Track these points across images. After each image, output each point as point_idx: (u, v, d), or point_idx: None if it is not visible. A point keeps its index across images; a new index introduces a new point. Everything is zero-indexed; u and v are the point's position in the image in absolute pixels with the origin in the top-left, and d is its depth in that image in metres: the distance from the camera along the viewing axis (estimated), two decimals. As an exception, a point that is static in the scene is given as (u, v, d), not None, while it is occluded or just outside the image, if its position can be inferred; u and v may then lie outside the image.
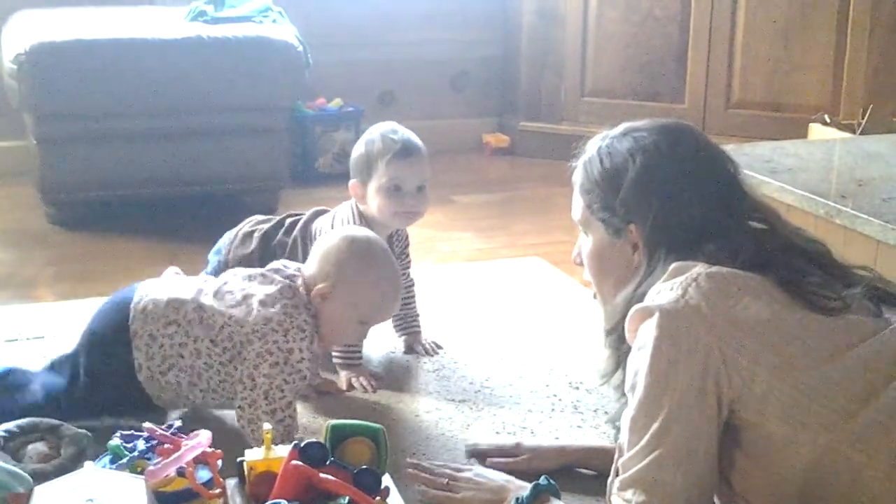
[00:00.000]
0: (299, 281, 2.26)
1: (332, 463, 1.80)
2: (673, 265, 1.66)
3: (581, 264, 1.91)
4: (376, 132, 2.65)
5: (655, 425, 1.58)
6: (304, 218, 2.68)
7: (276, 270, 2.29)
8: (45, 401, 2.23)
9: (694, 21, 4.53)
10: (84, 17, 4.01)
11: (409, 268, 2.79)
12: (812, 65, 4.39)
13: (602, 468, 1.96)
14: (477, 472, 2.07)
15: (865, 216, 2.47)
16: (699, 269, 1.63)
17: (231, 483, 1.94)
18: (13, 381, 2.29)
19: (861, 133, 3.84)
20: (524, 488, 1.91)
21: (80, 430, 2.09)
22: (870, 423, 1.53)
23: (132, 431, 2.00)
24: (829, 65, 4.36)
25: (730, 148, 3.18)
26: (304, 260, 2.44)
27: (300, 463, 1.76)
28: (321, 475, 1.75)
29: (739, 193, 1.77)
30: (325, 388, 2.50)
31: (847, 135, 3.83)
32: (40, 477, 1.87)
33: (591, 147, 1.84)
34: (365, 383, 2.53)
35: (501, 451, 2.18)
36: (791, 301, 1.62)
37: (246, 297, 2.22)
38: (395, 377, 2.60)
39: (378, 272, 2.28)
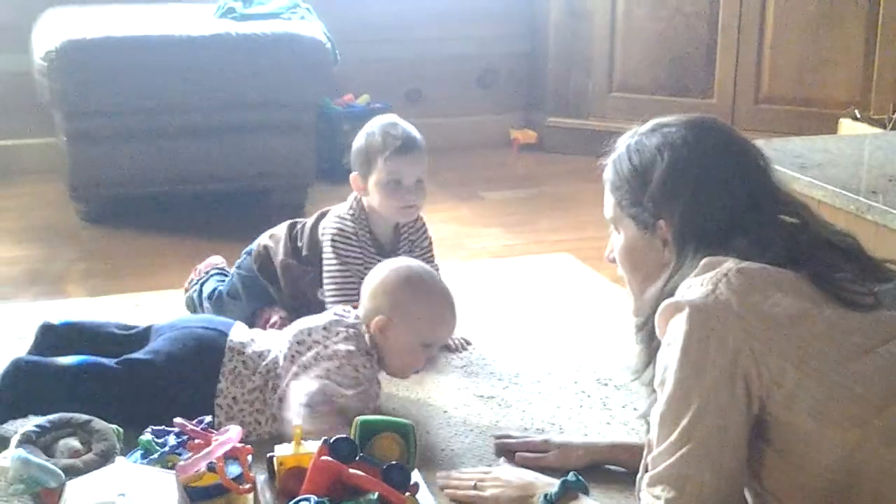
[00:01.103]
0: (363, 328, 2.30)
1: (361, 458, 1.81)
2: (704, 260, 1.66)
3: (614, 262, 1.91)
4: (376, 126, 2.70)
5: (685, 421, 1.58)
6: (310, 223, 2.75)
7: (338, 321, 2.31)
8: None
9: (722, 16, 4.50)
10: (113, 14, 4.02)
11: (432, 260, 2.81)
12: (842, 59, 4.36)
13: (631, 464, 1.94)
14: (505, 469, 2.07)
15: (896, 212, 2.45)
16: (729, 264, 1.63)
17: (261, 478, 1.95)
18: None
19: (892, 128, 3.81)
20: (552, 485, 1.91)
21: (110, 426, 2.10)
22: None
23: (163, 427, 2.02)
24: (860, 59, 4.33)
25: (759, 143, 3.17)
26: (319, 264, 2.61)
27: (330, 458, 1.77)
28: (350, 471, 1.76)
29: (770, 187, 1.76)
30: None
31: (878, 130, 3.80)
32: (72, 472, 1.88)
33: (621, 144, 1.84)
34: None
35: (529, 447, 2.18)
36: (822, 296, 1.62)
37: (318, 354, 2.26)
38: (424, 373, 2.60)
39: (428, 292, 2.32)
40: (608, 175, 1.86)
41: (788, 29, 4.42)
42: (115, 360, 2.25)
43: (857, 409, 1.54)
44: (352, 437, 1.89)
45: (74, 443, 2.05)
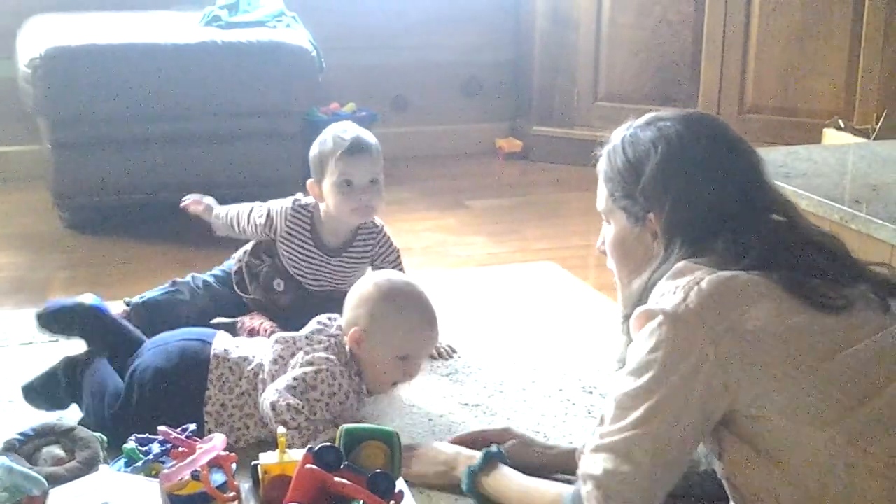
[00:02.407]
0: (344, 339, 2.31)
1: (346, 466, 1.80)
2: (677, 265, 1.70)
3: (604, 253, 1.94)
4: (329, 133, 2.75)
5: (641, 411, 1.64)
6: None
7: (321, 330, 2.33)
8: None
9: (707, 25, 4.52)
10: (98, 21, 4.02)
11: (398, 264, 2.84)
12: (826, 70, 4.38)
13: None
14: (430, 446, 2.13)
15: (880, 221, 2.46)
16: (701, 273, 1.66)
17: (245, 486, 1.95)
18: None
19: (875, 138, 3.83)
20: (474, 457, 2.00)
21: (94, 434, 2.10)
22: (869, 420, 1.56)
23: (147, 435, 2.01)
24: (844, 70, 4.35)
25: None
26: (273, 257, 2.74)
27: (314, 466, 1.77)
28: (335, 479, 1.76)
29: (760, 186, 1.79)
30: None
31: (861, 140, 3.82)
32: (55, 480, 1.88)
33: (616, 136, 1.87)
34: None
35: (486, 435, 2.20)
36: (793, 301, 1.64)
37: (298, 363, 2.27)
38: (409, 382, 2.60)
39: (405, 306, 2.31)
40: (602, 166, 1.88)
41: (773, 39, 4.43)
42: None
43: (827, 410, 1.57)
44: (337, 445, 1.89)
45: (58, 451, 2.05)
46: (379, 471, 1.81)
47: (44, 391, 2.33)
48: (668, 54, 4.63)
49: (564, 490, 1.79)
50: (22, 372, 2.53)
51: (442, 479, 2.06)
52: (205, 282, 2.85)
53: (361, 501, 1.74)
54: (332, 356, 2.25)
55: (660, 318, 1.64)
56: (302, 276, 2.77)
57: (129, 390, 2.25)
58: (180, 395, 2.23)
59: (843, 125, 4.01)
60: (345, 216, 2.73)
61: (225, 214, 2.88)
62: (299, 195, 2.83)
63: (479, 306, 3.10)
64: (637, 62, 4.69)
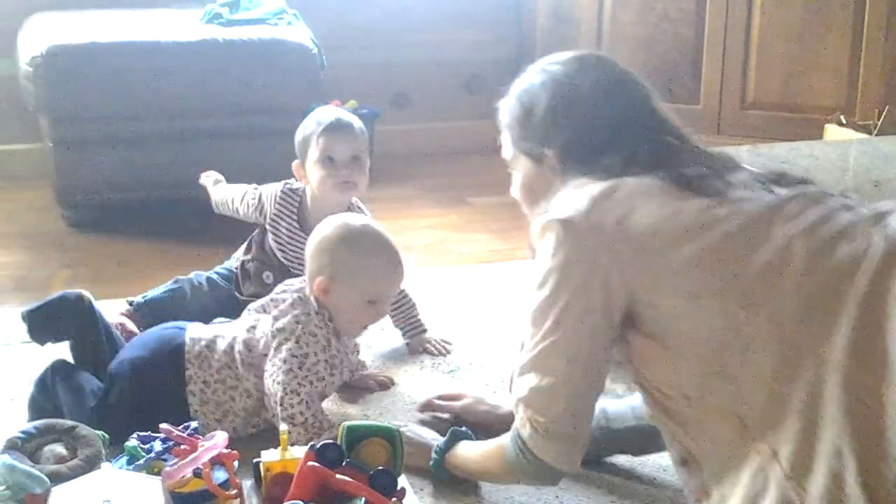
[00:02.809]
0: (307, 290, 2.29)
1: (347, 464, 1.80)
2: (572, 182, 1.80)
3: (521, 204, 2.02)
4: (312, 116, 2.81)
5: (549, 321, 1.74)
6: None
7: (284, 290, 2.35)
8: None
9: (709, 22, 4.51)
10: (99, 19, 4.02)
11: None
12: (828, 65, 4.37)
13: None
14: (409, 429, 2.17)
15: (882, 217, 2.46)
16: (590, 183, 1.76)
17: (247, 484, 1.95)
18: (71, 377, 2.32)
19: (877, 134, 3.83)
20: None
21: (96, 432, 2.10)
22: (753, 281, 1.62)
23: (149, 432, 2.01)
24: (845, 65, 4.34)
25: (745, 149, 3.20)
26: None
27: (316, 464, 1.77)
28: (337, 476, 1.76)
29: (646, 111, 1.89)
30: (368, 385, 2.54)
31: (863, 135, 3.82)
32: (57, 478, 1.88)
33: (511, 88, 1.99)
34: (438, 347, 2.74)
35: (445, 395, 2.37)
36: (676, 191, 1.73)
37: (268, 325, 2.28)
38: (412, 379, 2.60)
39: (367, 247, 2.30)
40: (501, 117, 2.00)
41: (774, 35, 4.43)
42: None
43: (716, 279, 1.64)
44: (338, 442, 1.89)
45: (60, 449, 2.05)
46: (381, 468, 1.81)
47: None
48: (669, 51, 4.62)
49: (505, 436, 1.87)
50: (24, 370, 2.53)
51: (417, 463, 2.09)
52: (209, 279, 2.86)
53: (363, 499, 1.74)
54: (299, 313, 2.24)
55: (553, 226, 1.74)
56: (289, 261, 2.78)
57: (111, 385, 2.26)
58: (161, 380, 2.24)
59: (844, 121, 4.01)
60: (327, 192, 2.75)
61: (223, 193, 2.95)
62: (291, 180, 2.85)
63: (481, 303, 3.10)
64: (638, 59, 4.68)
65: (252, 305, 2.39)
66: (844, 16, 4.31)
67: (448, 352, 2.74)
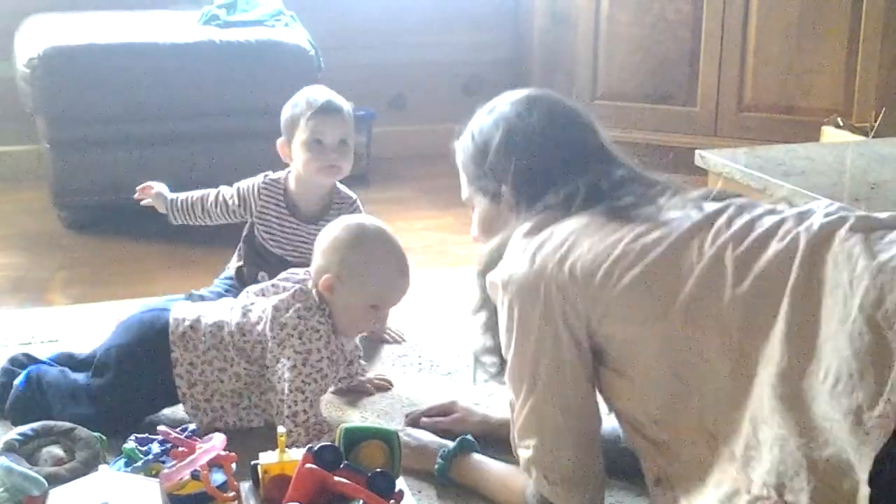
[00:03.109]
0: (310, 284, 2.27)
1: (345, 466, 1.80)
2: (515, 231, 1.85)
3: (478, 240, 2.07)
4: (301, 95, 2.81)
5: (526, 381, 1.79)
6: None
7: (286, 279, 2.34)
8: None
9: (706, 24, 4.51)
10: (97, 21, 4.01)
11: None
12: (824, 67, 4.38)
13: None
14: (406, 432, 2.18)
15: (879, 219, 2.46)
16: (525, 239, 1.82)
17: (245, 486, 1.95)
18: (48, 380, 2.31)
19: (874, 136, 3.83)
20: (447, 445, 2.11)
21: (94, 434, 2.10)
22: (691, 296, 1.66)
23: (147, 434, 2.01)
24: (842, 67, 4.35)
25: (742, 151, 3.20)
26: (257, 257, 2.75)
27: (314, 466, 1.77)
28: (335, 478, 1.76)
29: (593, 149, 1.94)
30: (366, 388, 2.53)
31: (860, 138, 3.82)
32: (55, 480, 1.88)
33: (466, 129, 2.05)
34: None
35: (435, 409, 2.34)
36: (612, 223, 1.78)
37: (265, 310, 2.26)
38: (409, 380, 2.60)
39: (377, 253, 2.29)
40: (458, 157, 2.07)
41: (771, 37, 4.43)
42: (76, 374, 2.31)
43: (656, 302, 1.68)
44: (336, 444, 1.89)
45: (58, 451, 2.05)
46: (379, 470, 1.81)
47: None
48: (666, 53, 4.62)
49: (528, 483, 1.88)
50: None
51: (415, 465, 2.11)
52: (220, 295, 2.85)
53: (361, 501, 1.74)
54: (300, 307, 2.23)
55: (502, 286, 1.80)
56: (284, 249, 2.79)
57: (98, 375, 2.26)
58: (147, 365, 2.24)
59: (841, 123, 4.01)
60: (312, 175, 2.76)
61: (183, 200, 2.88)
62: (268, 172, 2.87)
63: (479, 305, 3.09)
64: (635, 60, 4.69)
65: (251, 288, 2.38)
66: (841, 18, 4.31)
67: (404, 339, 2.76)
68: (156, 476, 1.84)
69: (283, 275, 2.37)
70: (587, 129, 1.97)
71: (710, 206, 1.78)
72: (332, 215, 2.78)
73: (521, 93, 2.02)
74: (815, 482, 1.50)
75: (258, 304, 2.29)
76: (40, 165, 3.93)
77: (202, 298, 2.80)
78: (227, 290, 2.85)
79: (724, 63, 4.52)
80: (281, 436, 1.92)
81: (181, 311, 2.31)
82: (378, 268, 2.27)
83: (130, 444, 1.99)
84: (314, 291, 2.27)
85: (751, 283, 1.63)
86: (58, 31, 3.78)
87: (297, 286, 2.28)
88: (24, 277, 3.36)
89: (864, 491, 1.44)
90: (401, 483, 1.91)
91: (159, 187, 2.92)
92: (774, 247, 1.65)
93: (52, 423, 2.12)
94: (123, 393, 2.23)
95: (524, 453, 1.84)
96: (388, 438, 1.94)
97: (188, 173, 3.76)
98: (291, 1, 4.24)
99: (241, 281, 2.82)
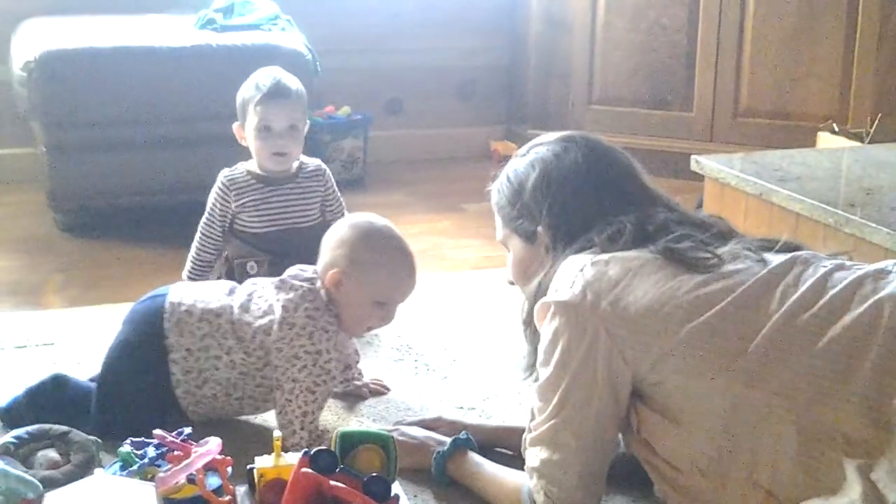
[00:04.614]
0: (318, 283, 2.27)
1: (341, 470, 1.80)
2: (564, 262, 1.85)
3: (513, 284, 2.09)
4: (253, 78, 2.85)
5: (556, 398, 1.80)
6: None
7: (295, 276, 2.31)
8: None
9: (702, 29, 4.53)
10: (93, 24, 4.01)
11: (340, 213, 2.93)
12: (820, 73, 4.39)
13: (513, 446, 2.13)
14: (400, 431, 2.19)
15: (874, 225, 2.47)
16: (584, 259, 1.82)
17: (241, 490, 1.95)
18: (63, 386, 2.32)
19: (870, 142, 3.83)
20: (444, 444, 2.12)
21: (89, 437, 2.09)
22: (758, 357, 1.64)
23: (142, 438, 2.01)
24: (838, 73, 4.36)
25: (738, 157, 3.20)
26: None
27: (310, 470, 1.77)
28: (331, 482, 1.75)
29: (635, 189, 1.94)
30: (362, 392, 2.53)
31: (855, 143, 3.83)
32: (50, 483, 1.88)
33: (502, 171, 2.05)
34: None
35: (421, 424, 2.29)
36: (669, 267, 1.77)
37: (271, 306, 2.24)
38: (404, 385, 2.60)
39: (385, 250, 2.28)
40: (493, 199, 2.06)
41: (767, 43, 4.44)
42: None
43: (717, 359, 1.67)
44: (332, 448, 1.89)
45: (53, 454, 2.05)
46: (374, 474, 1.81)
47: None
48: (662, 58, 4.63)
49: (524, 483, 1.90)
50: (17, 375, 2.53)
51: (412, 464, 2.12)
52: None
53: (357, 505, 1.74)
54: (309, 307, 2.22)
55: (552, 308, 1.80)
56: (261, 220, 2.82)
57: (103, 377, 2.27)
58: (143, 355, 2.23)
59: (837, 129, 4.02)
60: (263, 160, 2.82)
61: (190, 260, 2.91)
62: (224, 169, 2.91)
63: (475, 309, 3.10)
64: (631, 66, 4.70)
65: (259, 280, 2.36)
66: (837, 24, 4.33)
67: (388, 389, 2.59)
68: (151, 480, 1.84)
69: (291, 270, 2.33)
70: (627, 169, 1.96)
71: (775, 259, 1.76)
72: (302, 180, 2.88)
73: (557, 134, 2.01)
74: None
75: (264, 296, 2.27)
76: (36, 169, 3.92)
77: None
78: None
79: (719, 68, 4.53)
80: (277, 440, 1.92)
81: (178, 293, 2.29)
82: (384, 262, 2.26)
83: (126, 447, 1.98)
84: (322, 291, 2.27)
85: (825, 348, 1.60)
86: (54, 35, 3.78)
87: (306, 285, 2.27)
88: (20, 280, 3.36)
89: None
90: (397, 487, 1.91)
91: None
92: (853, 312, 1.62)
93: (47, 426, 2.11)
94: (123, 390, 2.22)
95: (532, 460, 1.86)
96: (384, 442, 1.93)
97: (184, 177, 3.76)
98: (288, 5, 4.24)
99: (232, 279, 2.83)
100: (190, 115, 3.76)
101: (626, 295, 1.74)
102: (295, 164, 2.89)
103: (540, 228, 1.94)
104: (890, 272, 1.68)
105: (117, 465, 1.96)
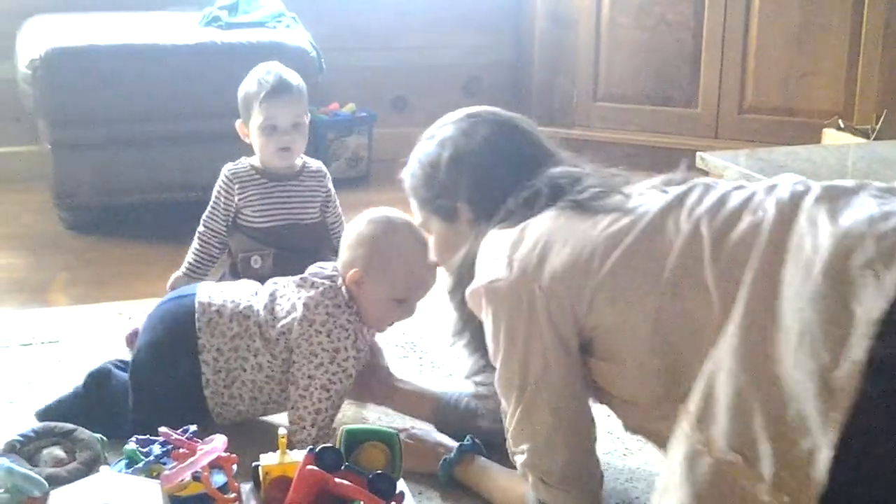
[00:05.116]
0: (339, 281, 2.27)
1: (346, 468, 1.80)
2: (485, 240, 1.87)
3: (438, 264, 2.12)
4: (254, 74, 2.85)
5: (516, 381, 1.81)
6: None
7: (316, 273, 2.31)
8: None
9: (707, 26, 4.52)
10: (98, 22, 4.02)
11: (337, 216, 2.96)
12: (825, 70, 4.38)
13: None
14: (410, 434, 2.19)
15: (880, 221, 2.46)
16: (501, 236, 1.84)
17: (246, 488, 1.95)
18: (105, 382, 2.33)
19: (875, 138, 3.83)
20: (451, 450, 2.13)
21: (95, 435, 2.10)
22: (676, 271, 1.68)
23: (148, 436, 2.01)
24: (843, 69, 4.35)
25: (743, 153, 3.20)
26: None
27: (315, 468, 1.77)
28: (336, 480, 1.76)
29: (542, 153, 1.99)
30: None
31: (861, 140, 3.82)
32: (55, 481, 1.88)
33: (411, 156, 2.10)
34: None
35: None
36: (582, 216, 1.81)
37: (294, 305, 2.25)
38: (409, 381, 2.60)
39: (402, 244, 2.27)
40: (407, 184, 2.08)
41: (772, 39, 4.43)
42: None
43: (642, 280, 1.70)
44: (337, 446, 1.89)
45: (58, 452, 2.05)
46: (379, 472, 1.81)
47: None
48: (667, 55, 4.63)
49: (528, 487, 1.90)
50: (22, 373, 2.53)
51: (421, 469, 2.13)
52: None
53: (362, 503, 1.74)
54: (329, 304, 2.23)
55: (484, 294, 1.82)
56: (264, 214, 2.82)
57: (133, 377, 2.27)
58: (176, 354, 2.24)
59: (842, 125, 4.01)
60: (267, 157, 2.83)
61: (192, 254, 2.90)
62: (228, 164, 2.91)
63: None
64: (636, 62, 4.69)
65: (278, 279, 2.35)
66: (842, 20, 4.32)
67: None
68: (157, 477, 1.84)
69: (312, 268, 2.34)
70: (531, 135, 2.03)
71: (677, 189, 1.81)
72: (304, 179, 2.88)
73: (459, 113, 2.08)
74: (774, 443, 1.49)
75: (287, 295, 2.27)
76: (41, 166, 3.92)
77: None
78: None
79: (725, 65, 4.52)
80: (282, 437, 1.92)
81: (206, 293, 2.30)
82: (404, 258, 2.25)
83: (131, 445, 1.99)
84: (343, 289, 2.26)
85: (727, 252, 1.65)
86: (59, 33, 3.78)
87: (327, 283, 2.27)
88: (26, 278, 3.37)
89: (826, 454, 1.43)
90: (401, 485, 1.91)
91: (172, 281, 2.89)
92: (747, 219, 1.67)
93: (52, 423, 2.12)
94: (156, 388, 2.23)
95: (519, 458, 1.87)
96: (388, 440, 1.93)
97: (189, 174, 3.77)
98: (293, 2, 4.24)
99: (235, 275, 2.83)
100: (195, 112, 3.76)
101: (548, 254, 1.77)
102: (299, 162, 2.89)
103: (459, 205, 1.97)
104: (776, 186, 1.73)
105: (123, 463, 1.96)
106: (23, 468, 1.88)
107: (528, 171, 1.93)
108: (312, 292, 2.25)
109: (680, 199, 1.77)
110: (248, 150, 2.93)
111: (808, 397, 1.47)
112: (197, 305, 2.26)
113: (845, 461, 1.43)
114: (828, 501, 1.44)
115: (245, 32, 3.86)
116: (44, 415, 2.25)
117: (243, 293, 2.31)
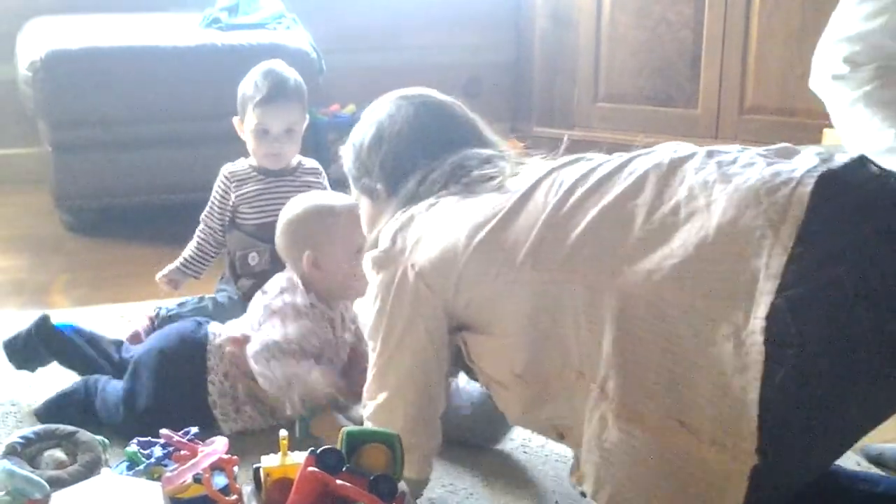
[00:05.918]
0: (294, 277, 2.36)
1: (348, 469, 1.80)
2: (386, 215, 1.95)
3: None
4: (253, 74, 2.87)
5: (379, 341, 1.91)
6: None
7: (276, 279, 2.39)
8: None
9: (707, 26, 4.51)
10: (98, 24, 4.02)
11: None
12: (826, 70, 4.37)
13: None
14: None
15: (881, 221, 2.46)
16: (398, 216, 1.91)
17: (247, 490, 1.95)
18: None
19: (875, 138, 3.82)
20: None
21: (96, 437, 2.10)
22: (537, 244, 1.72)
23: (149, 438, 2.01)
24: (843, 70, 4.34)
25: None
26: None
27: (316, 469, 1.77)
28: (337, 481, 1.75)
29: (461, 135, 2.03)
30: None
31: (861, 140, 3.82)
32: (57, 483, 1.88)
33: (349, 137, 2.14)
34: None
35: None
36: (466, 199, 1.86)
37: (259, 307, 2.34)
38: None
39: (331, 204, 2.38)
40: (344, 164, 2.13)
41: (773, 39, 4.43)
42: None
43: (503, 256, 1.75)
44: (338, 447, 1.89)
45: (60, 454, 2.05)
46: (381, 473, 1.81)
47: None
48: (667, 55, 4.62)
49: None
50: (23, 374, 2.53)
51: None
52: (229, 298, 2.85)
53: (363, 504, 1.74)
54: (287, 297, 2.31)
55: (370, 263, 1.91)
56: (261, 210, 2.83)
57: (134, 376, 2.30)
58: (185, 369, 2.30)
59: (843, 125, 4.00)
60: (259, 159, 2.86)
61: (188, 249, 2.93)
62: (226, 164, 2.93)
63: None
64: (637, 63, 4.69)
65: (254, 301, 2.41)
66: (843, 20, 4.31)
67: None
68: (158, 479, 1.84)
69: (272, 280, 2.42)
70: (457, 119, 2.06)
71: (556, 162, 1.86)
72: (300, 175, 2.90)
73: (395, 94, 2.11)
74: (706, 403, 1.53)
75: (255, 307, 2.36)
76: (42, 168, 3.93)
77: (214, 301, 2.81)
78: (229, 298, 2.86)
79: (725, 65, 4.52)
80: (283, 439, 1.92)
81: (217, 325, 2.40)
82: (339, 217, 2.34)
83: (133, 447, 1.99)
84: (295, 277, 2.34)
85: (597, 215, 1.69)
86: (60, 34, 3.78)
87: (285, 279, 2.35)
88: (26, 280, 3.37)
89: (754, 396, 1.47)
90: (403, 486, 1.91)
91: (168, 273, 2.92)
92: (621, 182, 1.72)
93: (54, 426, 2.12)
94: (157, 395, 2.27)
95: (367, 410, 1.96)
96: (389, 441, 1.93)
97: (190, 176, 3.76)
98: (293, 3, 4.24)
99: (234, 273, 2.85)
100: (196, 113, 3.76)
101: (426, 234, 1.84)
102: (294, 160, 2.92)
103: (379, 185, 2.03)
104: (657, 152, 1.78)
105: (124, 465, 1.97)
106: (24, 470, 1.88)
107: (438, 151, 1.98)
108: (280, 295, 2.33)
109: (551, 172, 1.82)
110: (247, 152, 2.94)
111: (726, 360, 1.51)
112: (209, 332, 2.36)
113: (773, 400, 1.48)
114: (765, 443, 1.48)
115: (245, 34, 3.87)
116: (44, 413, 2.27)
117: (242, 326, 2.37)
